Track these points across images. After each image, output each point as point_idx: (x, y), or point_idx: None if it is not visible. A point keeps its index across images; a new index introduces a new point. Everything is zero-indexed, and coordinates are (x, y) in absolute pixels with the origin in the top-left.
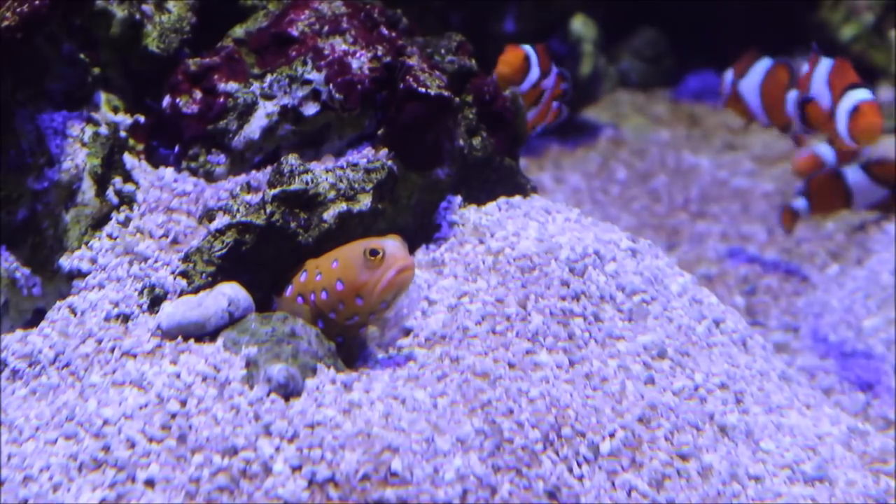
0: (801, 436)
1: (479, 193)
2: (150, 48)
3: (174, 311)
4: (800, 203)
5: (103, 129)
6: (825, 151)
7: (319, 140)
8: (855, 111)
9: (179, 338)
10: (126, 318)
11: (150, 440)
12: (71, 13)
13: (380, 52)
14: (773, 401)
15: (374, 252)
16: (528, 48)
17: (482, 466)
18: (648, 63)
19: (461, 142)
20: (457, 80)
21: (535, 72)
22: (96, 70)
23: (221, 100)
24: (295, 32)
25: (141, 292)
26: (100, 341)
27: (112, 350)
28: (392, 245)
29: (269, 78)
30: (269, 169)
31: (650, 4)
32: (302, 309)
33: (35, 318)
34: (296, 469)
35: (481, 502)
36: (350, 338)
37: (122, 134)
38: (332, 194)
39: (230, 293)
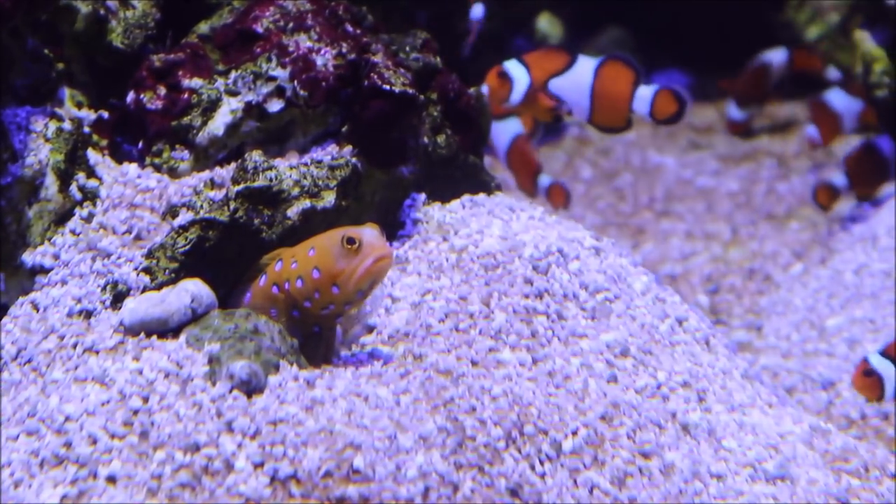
0: (763, 434)
1: (443, 191)
2: (114, 44)
3: (137, 307)
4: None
5: (67, 125)
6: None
7: (284, 137)
8: None
9: (142, 334)
10: (89, 314)
11: (112, 437)
12: (35, 8)
13: (345, 50)
14: (735, 399)
15: (350, 241)
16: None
17: (444, 464)
18: None
19: (426, 139)
20: (422, 78)
21: (521, 84)
22: (60, 65)
23: (185, 96)
24: (260, 29)
25: (104, 288)
26: (62, 337)
27: (74, 346)
28: (369, 234)
29: (233, 74)
30: (232, 165)
31: (616, 3)
32: (277, 298)
33: None
34: (258, 466)
35: (443, 499)
36: (326, 328)
37: (86, 130)
38: (295, 191)
39: (193, 290)
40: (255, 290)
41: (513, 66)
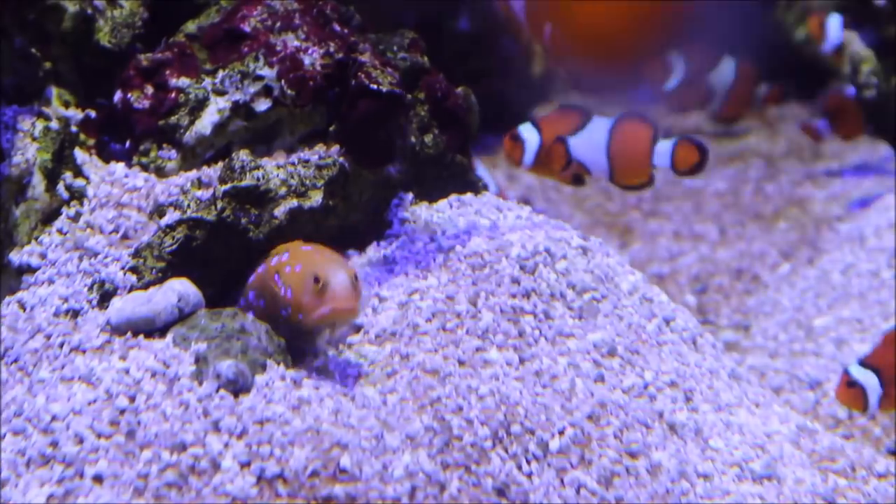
0: (750, 434)
1: (430, 191)
2: (101, 43)
3: (124, 306)
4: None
5: (54, 124)
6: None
7: (271, 136)
8: None
9: (129, 333)
10: (75, 313)
11: (99, 436)
12: (23, 7)
13: (332, 49)
14: (722, 399)
15: (317, 279)
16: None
17: (431, 463)
18: None
19: (413, 139)
20: (409, 77)
21: (532, 145)
22: (48, 64)
23: (173, 95)
24: (247, 28)
25: (91, 288)
26: (49, 336)
27: (61, 345)
28: (339, 280)
29: (220, 73)
30: (220, 165)
31: None
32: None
33: None
34: (245, 465)
35: (430, 499)
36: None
37: (74, 129)
38: (283, 190)
39: (180, 289)
40: (257, 276)
41: (525, 129)
